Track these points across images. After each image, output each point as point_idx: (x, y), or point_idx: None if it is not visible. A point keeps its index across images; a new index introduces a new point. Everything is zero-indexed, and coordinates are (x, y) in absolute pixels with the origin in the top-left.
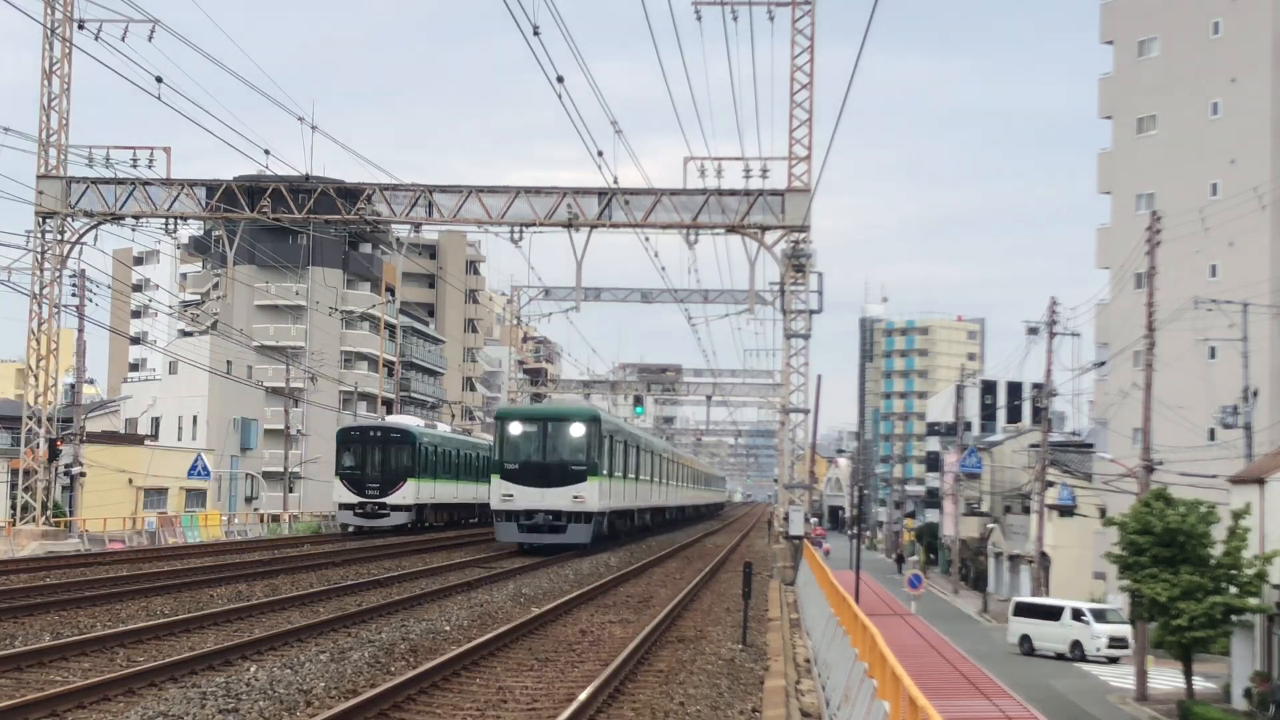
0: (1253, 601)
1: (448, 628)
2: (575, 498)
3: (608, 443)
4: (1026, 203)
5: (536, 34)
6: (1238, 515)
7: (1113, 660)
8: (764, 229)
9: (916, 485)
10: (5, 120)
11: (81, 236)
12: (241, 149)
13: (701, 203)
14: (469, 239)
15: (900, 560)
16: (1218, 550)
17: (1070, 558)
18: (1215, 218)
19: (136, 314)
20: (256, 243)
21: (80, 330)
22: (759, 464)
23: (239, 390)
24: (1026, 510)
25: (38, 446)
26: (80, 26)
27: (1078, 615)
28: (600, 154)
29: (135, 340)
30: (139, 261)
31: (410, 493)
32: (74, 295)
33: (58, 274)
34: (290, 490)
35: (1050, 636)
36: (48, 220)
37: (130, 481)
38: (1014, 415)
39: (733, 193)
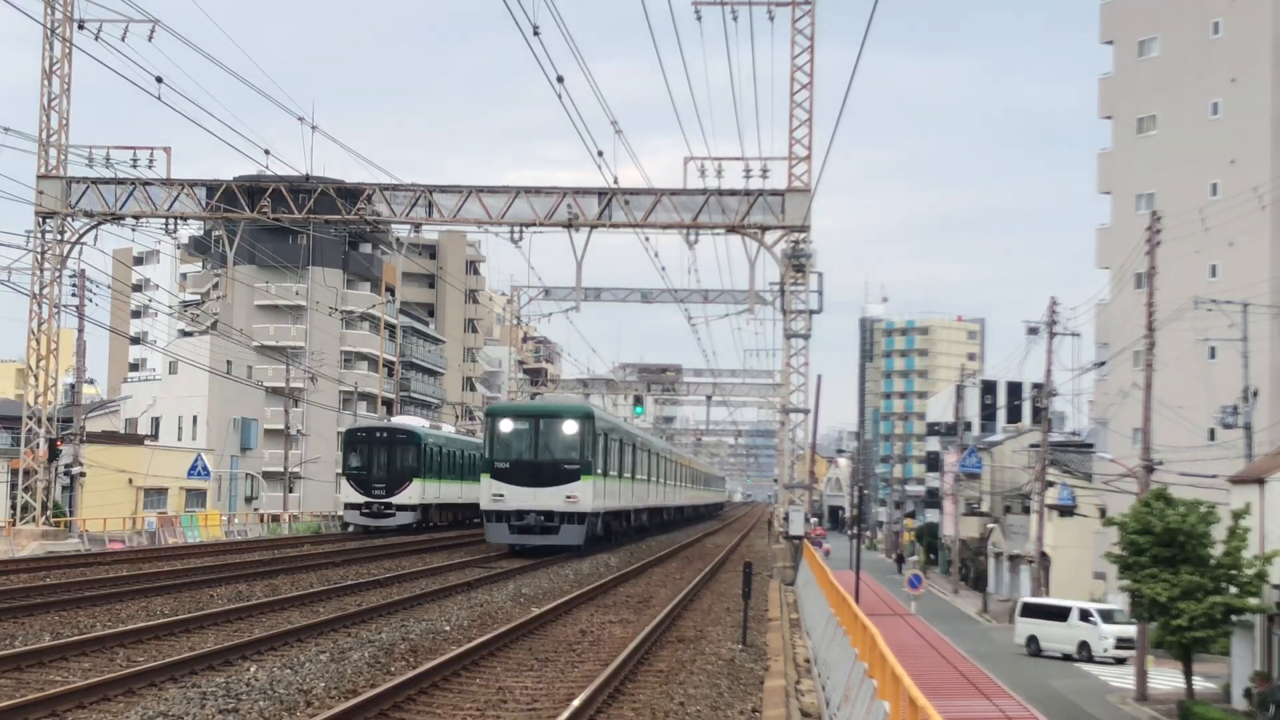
0: (1253, 601)
1: (448, 628)
2: (568, 498)
3: (602, 441)
4: (1026, 203)
5: (536, 34)
6: (1238, 515)
7: (1120, 661)
8: (764, 229)
9: (916, 485)
10: (5, 120)
11: (81, 236)
12: (241, 149)
13: (701, 203)
14: (469, 239)
15: (900, 560)
16: (1218, 550)
17: (1070, 558)
18: (1215, 218)
19: (136, 314)
20: (256, 243)
21: (80, 330)
22: (759, 464)
23: (239, 390)
24: (1026, 510)
25: (38, 446)
26: (80, 26)
27: (1085, 616)
28: (600, 154)
29: (135, 340)
30: (139, 261)
31: (416, 493)
32: (74, 295)
33: (58, 274)
34: (290, 490)
35: (1057, 637)
36: (48, 220)
37: (130, 481)
38: (1014, 415)
39: (733, 193)
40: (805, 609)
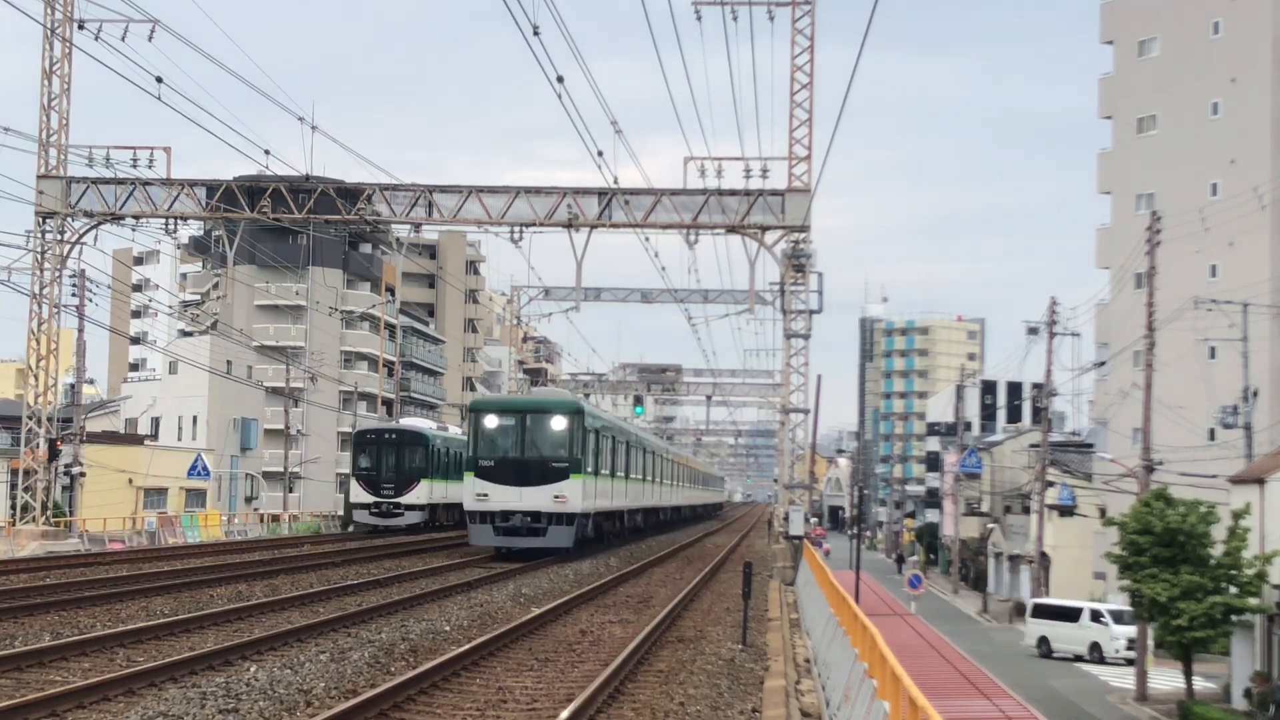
0: (1253, 601)
1: (448, 628)
2: (556, 497)
3: (593, 437)
4: (1027, 203)
5: (536, 34)
6: (1238, 515)
7: (1132, 662)
8: (764, 229)
9: (916, 485)
10: (5, 120)
11: (81, 236)
12: (241, 149)
13: (701, 203)
14: (469, 239)
15: (900, 560)
16: (1218, 550)
17: (1070, 558)
18: (1215, 218)
19: (136, 314)
20: (256, 243)
21: (80, 330)
22: (759, 464)
23: (239, 390)
24: (1026, 510)
25: (38, 446)
26: (80, 26)
27: (1096, 617)
28: (600, 154)
29: (135, 340)
30: (139, 261)
31: (423, 493)
32: (74, 295)
33: (58, 274)
34: (290, 490)
35: (1068, 638)
36: (48, 220)
37: (130, 481)
38: (1014, 415)
39: (733, 193)
40: (805, 609)
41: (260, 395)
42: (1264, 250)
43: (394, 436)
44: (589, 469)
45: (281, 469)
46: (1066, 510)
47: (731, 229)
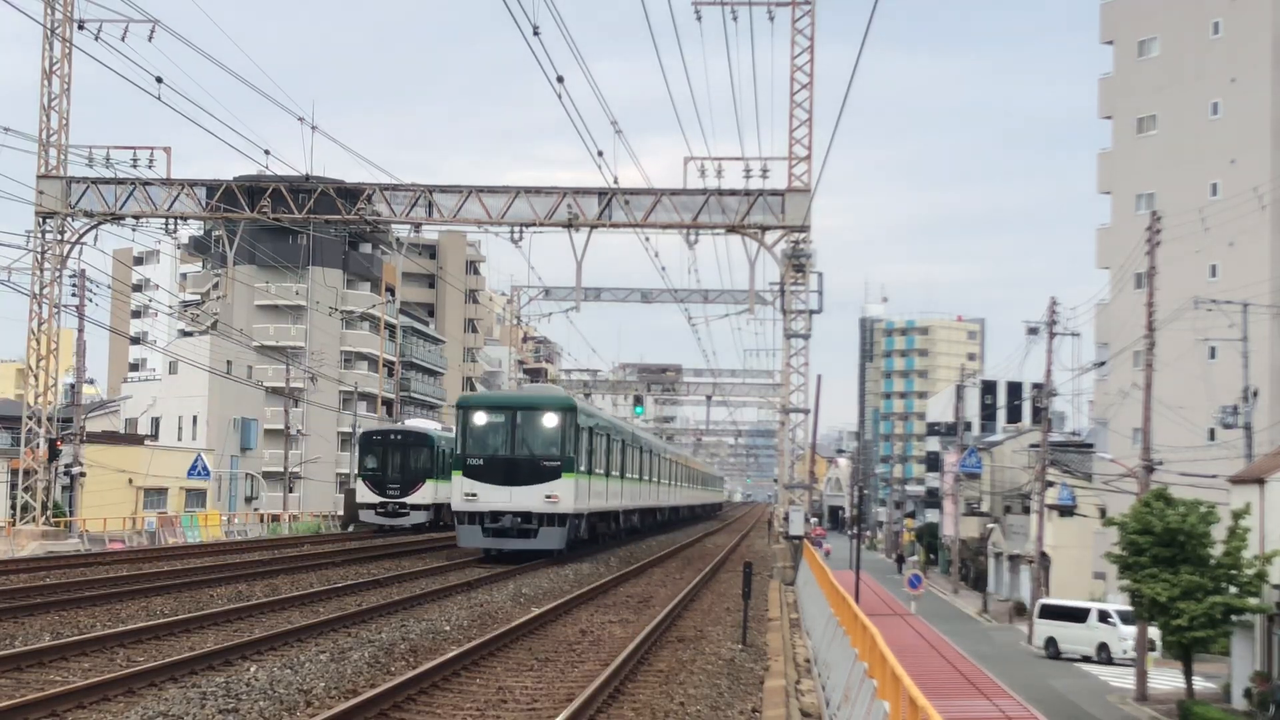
0: (1253, 601)
1: (448, 628)
2: (548, 497)
3: (586, 435)
4: (1026, 203)
5: (536, 34)
6: (1238, 515)
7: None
8: (764, 229)
9: (916, 485)
10: (5, 120)
11: (81, 236)
12: (241, 149)
13: (701, 203)
14: (469, 239)
15: (900, 560)
16: (1218, 550)
17: (1070, 558)
18: (1215, 218)
19: (136, 314)
20: (256, 243)
21: (80, 330)
22: (759, 464)
23: (239, 390)
24: (1026, 510)
25: (38, 446)
26: (80, 27)
27: (1104, 617)
28: (600, 154)
29: (135, 340)
30: (139, 261)
31: (429, 493)
32: (74, 295)
33: (58, 274)
34: (290, 490)
35: (1077, 639)
36: (48, 220)
37: (130, 481)
38: (1014, 415)
39: (733, 193)
40: (805, 609)
41: (260, 395)
42: (1264, 250)
43: (400, 437)
44: (582, 468)
45: (281, 469)
46: (1066, 510)
47: (731, 229)
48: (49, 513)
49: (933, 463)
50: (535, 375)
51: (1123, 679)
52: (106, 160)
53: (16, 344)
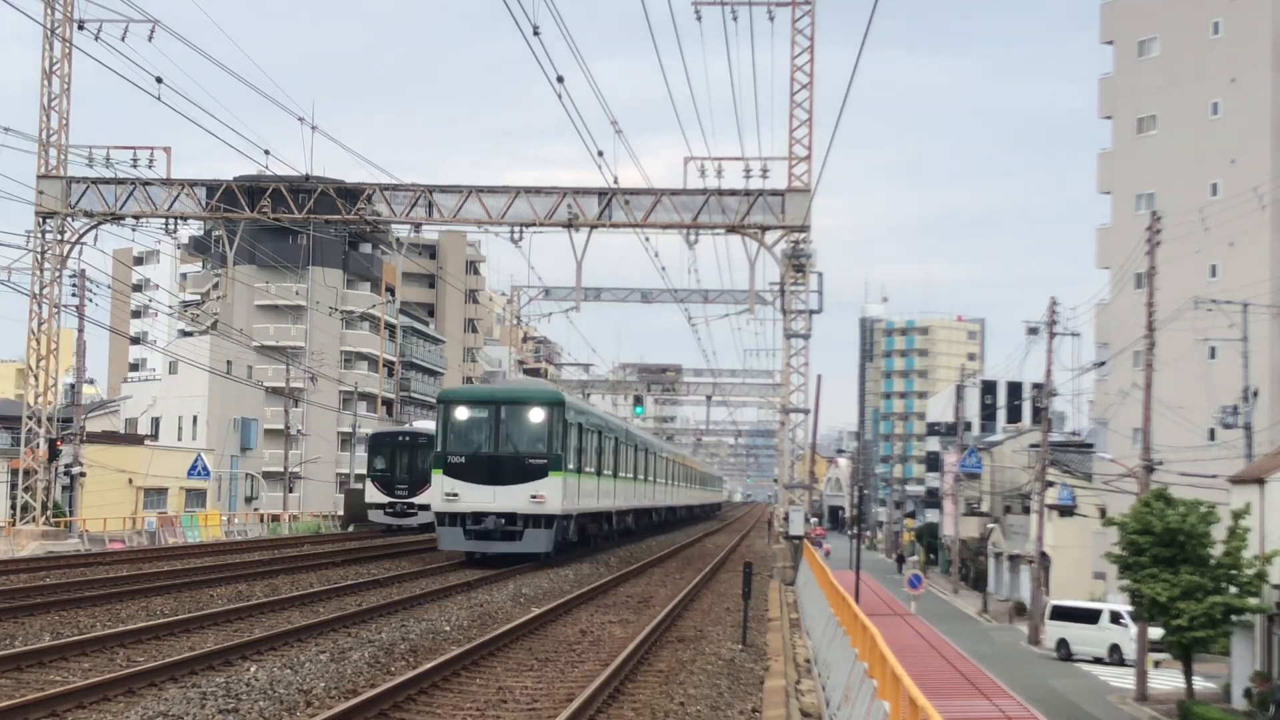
0: (1253, 601)
1: (448, 628)
2: (533, 497)
3: (575, 431)
4: (1026, 203)
5: (536, 34)
6: (1238, 515)
7: (1156, 664)
8: (764, 229)
9: (916, 485)
10: (5, 120)
11: (81, 236)
12: (241, 149)
13: (701, 203)
14: (469, 239)
15: (900, 560)
16: (1218, 550)
17: (1070, 558)
18: (1215, 218)
19: (136, 314)
20: (256, 243)
21: (80, 330)
22: (759, 464)
23: (239, 390)
24: (1026, 510)
25: (38, 446)
26: (80, 27)
27: (1116, 618)
28: (600, 154)
29: (135, 340)
30: (139, 261)
31: None
32: (74, 295)
33: (58, 274)
34: (290, 490)
35: (1088, 640)
36: (48, 220)
37: (130, 481)
38: (1014, 415)
39: (733, 193)
40: (805, 609)
41: (260, 395)
42: (1264, 250)
43: (408, 439)
44: (570, 466)
45: (281, 469)
46: (1066, 510)
47: (731, 229)
48: (49, 513)
49: (933, 463)
50: (535, 375)
51: (1123, 679)
52: (106, 160)
53: (16, 344)
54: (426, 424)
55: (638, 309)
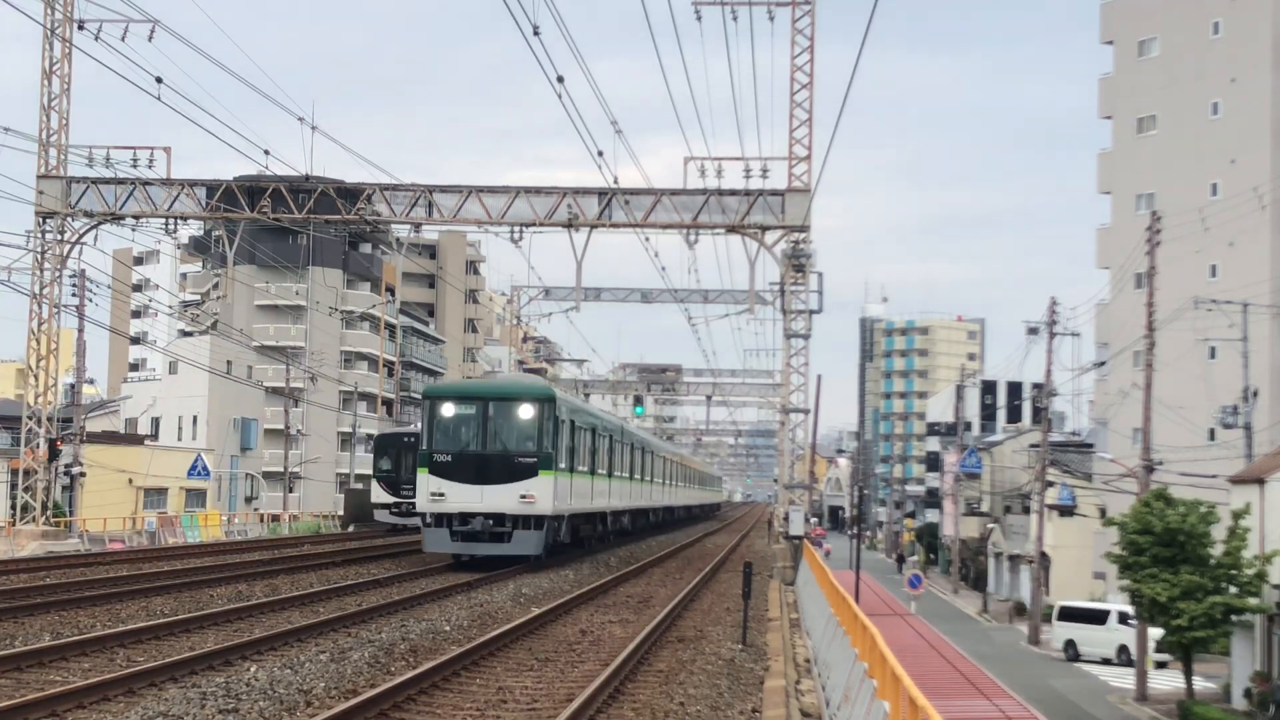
0: (1253, 601)
1: (448, 628)
2: (523, 497)
3: (567, 429)
4: (1026, 203)
5: (536, 34)
6: (1238, 515)
7: (1161, 665)
8: (764, 229)
9: (916, 485)
10: (5, 120)
11: (81, 236)
12: (241, 149)
13: (701, 203)
14: (469, 239)
15: (900, 560)
16: (1218, 550)
17: (1070, 558)
18: (1215, 218)
19: (136, 314)
20: (256, 243)
21: (80, 330)
22: (759, 464)
23: (239, 390)
24: (1026, 510)
25: (38, 446)
26: (80, 27)
27: (1124, 619)
28: (600, 154)
29: (135, 340)
30: (139, 261)
31: None
32: (74, 295)
33: (58, 274)
34: (290, 490)
35: (1096, 641)
36: (48, 220)
37: (130, 481)
38: (1014, 415)
39: (733, 193)
40: (805, 609)
41: (260, 395)
42: (1264, 250)
43: (412, 440)
44: (562, 465)
45: (281, 469)
46: (1066, 510)
47: (731, 229)
48: (49, 513)
49: (933, 463)
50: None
51: (1123, 679)
52: (106, 160)
53: (16, 344)
54: None
55: (638, 309)
